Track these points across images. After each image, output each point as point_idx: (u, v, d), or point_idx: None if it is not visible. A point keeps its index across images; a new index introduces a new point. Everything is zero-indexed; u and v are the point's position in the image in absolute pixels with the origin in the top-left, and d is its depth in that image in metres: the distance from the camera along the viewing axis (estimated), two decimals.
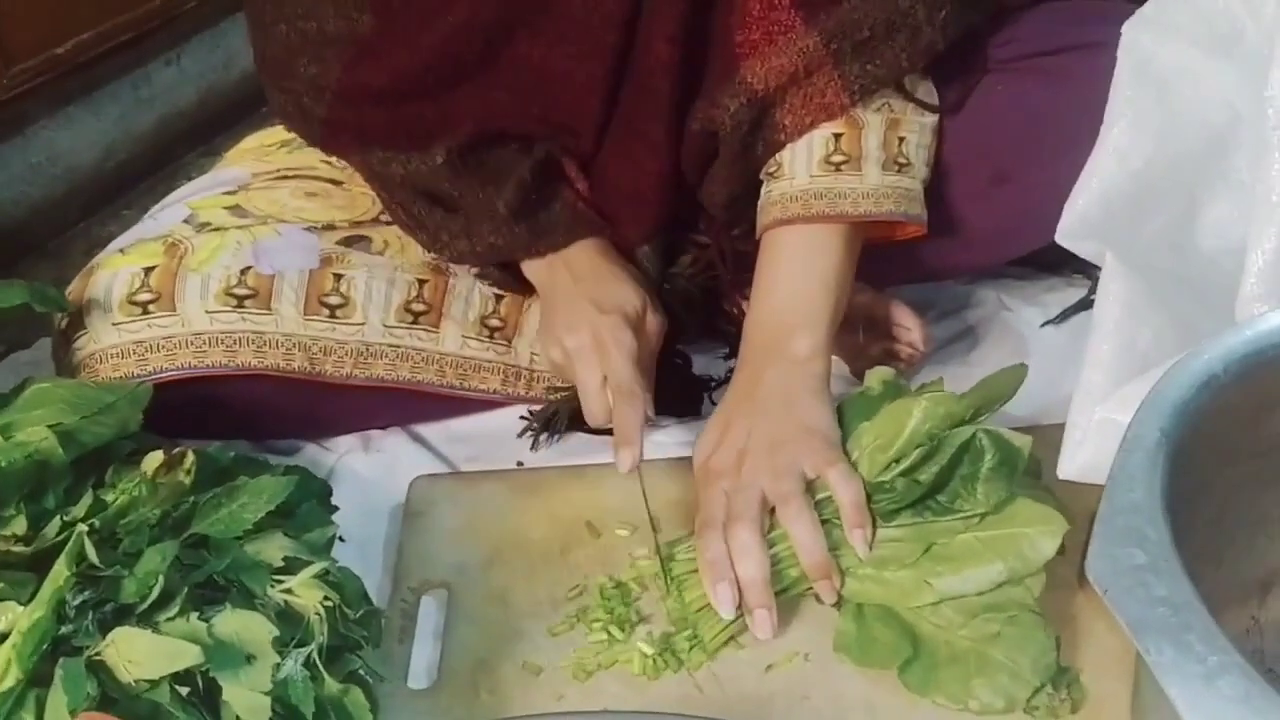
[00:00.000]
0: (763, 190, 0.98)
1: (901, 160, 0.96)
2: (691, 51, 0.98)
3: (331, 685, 0.73)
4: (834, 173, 0.94)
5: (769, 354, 0.94)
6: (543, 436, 1.08)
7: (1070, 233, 0.91)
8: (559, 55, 0.99)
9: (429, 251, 1.05)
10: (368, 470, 1.08)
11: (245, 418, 1.05)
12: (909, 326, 1.08)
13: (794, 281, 0.95)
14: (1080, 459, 0.86)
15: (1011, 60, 1.00)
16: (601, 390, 0.94)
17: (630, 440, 0.90)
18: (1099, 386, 0.87)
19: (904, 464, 0.87)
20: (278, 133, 1.16)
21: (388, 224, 1.08)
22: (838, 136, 0.95)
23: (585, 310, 0.96)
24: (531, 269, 1.02)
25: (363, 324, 1.02)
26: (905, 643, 0.82)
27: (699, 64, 0.99)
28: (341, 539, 0.88)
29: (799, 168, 0.96)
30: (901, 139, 0.96)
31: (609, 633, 0.87)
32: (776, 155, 0.97)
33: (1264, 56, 0.87)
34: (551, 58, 0.99)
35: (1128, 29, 0.93)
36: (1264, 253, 0.84)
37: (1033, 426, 0.93)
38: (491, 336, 1.07)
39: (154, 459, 0.82)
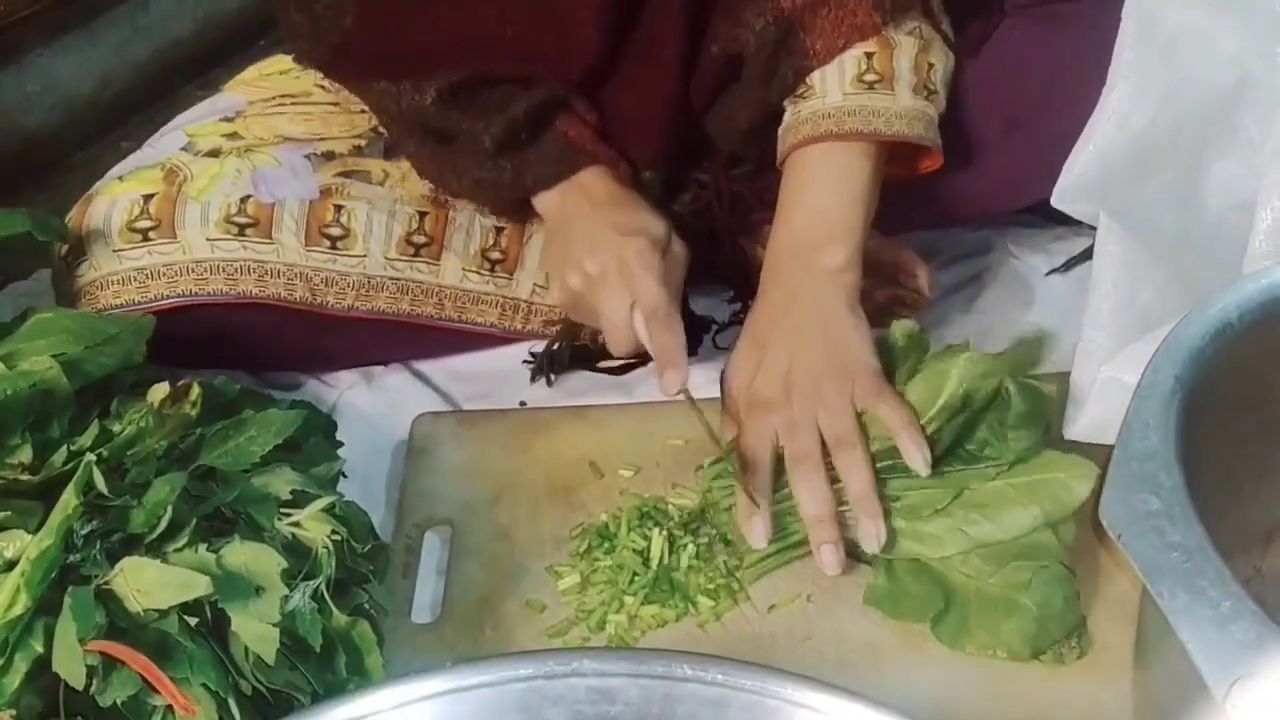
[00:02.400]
0: (789, 112, 0.96)
1: (931, 86, 0.95)
2: None
3: (339, 618, 0.74)
4: (868, 91, 0.93)
5: (800, 267, 0.92)
6: (550, 375, 1.08)
7: (1067, 195, 0.91)
8: None
9: (431, 184, 1.04)
10: (370, 407, 1.08)
11: (246, 348, 1.05)
12: (916, 273, 1.07)
13: (825, 197, 0.93)
14: (1085, 419, 0.86)
15: (1028, 5, 0.99)
16: (629, 317, 0.92)
17: (675, 362, 0.88)
18: (1100, 346, 0.87)
19: (935, 424, 0.87)
20: (276, 63, 1.15)
21: (384, 156, 1.06)
22: (869, 55, 0.94)
23: (607, 234, 0.93)
24: (543, 201, 1.00)
25: (364, 256, 1.02)
26: (937, 595, 0.83)
27: None
28: (345, 474, 0.88)
29: (831, 85, 0.94)
30: (931, 65, 0.95)
31: (616, 570, 0.88)
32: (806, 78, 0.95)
33: (1274, 13, 0.86)
34: None
35: None
36: (1274, 210, 0.84)
37: (1038, 375, 0.93)
38: (493, 270, 1.06)
39: (160, 390, 0.82)
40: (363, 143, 1.08)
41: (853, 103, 0.93)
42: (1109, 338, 0.86)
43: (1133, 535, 0.56)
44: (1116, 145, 0.89)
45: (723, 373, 0.94)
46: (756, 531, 0.86)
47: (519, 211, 1.04)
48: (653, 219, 0.96)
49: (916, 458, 0.85)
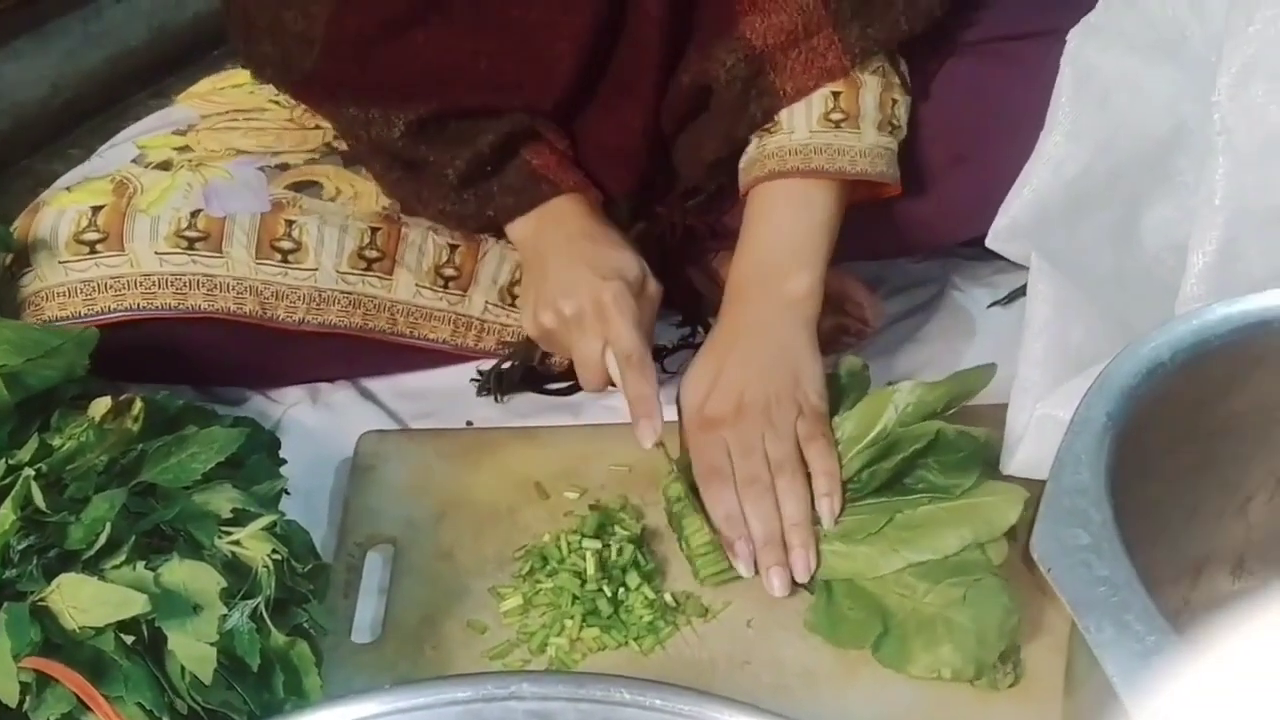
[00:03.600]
0: (755, 145, 0.98)
1: (895, 122, 0.97)
2: (681, 4, 0.97)
3: (278, 638, 0.73)
4: (834, 129, 0.95)
5: (763, 294, 0.94)
6: (499, 394, 1.08)
7: (1001, 236, 0.94)
8: (541, 6, 0.97)
9: (397, 205, 1.05)
10: (315, 423, 1.08)
11: (193, 363, 1.04)
12: (861, 302, 1.09)
13: (789, 227, 0.95)
14: (1021, 454, 0.89)
15: (975, 43, 1.01)
16: (601, 359, 0.93)
17: (650, 413, 0.91)
18: (1035, 383, 0.89)
19: (868, 454, 0.89)
20: (230, 76, 1.15)
21: (340, 165, 1.06)
22: (836, 94, 0.96)
23: (584, 275, 0.94)
24: (515, 230, 1.01)
25: (315, 269, 1.01)
26: (875, 619, 0.84)
27: (688, 17, 0.98)
28: (287, 492, 0.88)
29: (798, 122, 0.96)
30: (894, 101, 0.97)
31: (557, 593, 0.88)
32: None
33: (1209, 62, 0.89)
34: (534, 8, 0.97)
35: (1073, 37, 0.95)
36: (1205, 254, 0.87)
37: (977, 406, 0.94)
38: (446, 286, 1.06)
39: (102, 404, 0.82)
40: (316, 155, 1.07)
41: (819, 140, 0.95)
42: (1043, 375, 0.88)
43: (1062, 569, 0.58)
44: (1051, 190, 0.92)
45: (678, 390, 0.95)
46: (744, 556, 0.87)
47: (490, 232, 1.05)
48: (629, 258, 0.97)
49: (825, 510, 0.88)
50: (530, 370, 1.07)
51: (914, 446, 0.88)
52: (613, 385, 0.96)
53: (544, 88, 1.00)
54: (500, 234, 1.04)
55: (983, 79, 1.01)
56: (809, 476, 0.89)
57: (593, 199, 1.02)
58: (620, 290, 0.93)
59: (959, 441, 0.88)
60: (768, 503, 0.88)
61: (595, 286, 0.93)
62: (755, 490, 0.88)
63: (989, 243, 0.94)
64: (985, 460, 0.89)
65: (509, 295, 1.08)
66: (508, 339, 1.08)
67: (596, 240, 0.98)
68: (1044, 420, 0.88)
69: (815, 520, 0.88)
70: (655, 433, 0.91)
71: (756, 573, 0.88)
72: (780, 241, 0.95)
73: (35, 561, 0.70)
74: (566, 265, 0.95)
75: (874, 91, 0.96)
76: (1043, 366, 0.91)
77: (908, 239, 1.09)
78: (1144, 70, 0.95)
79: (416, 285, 1.05)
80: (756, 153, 0.97)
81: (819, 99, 0.96)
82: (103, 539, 0.71)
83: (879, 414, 0.90)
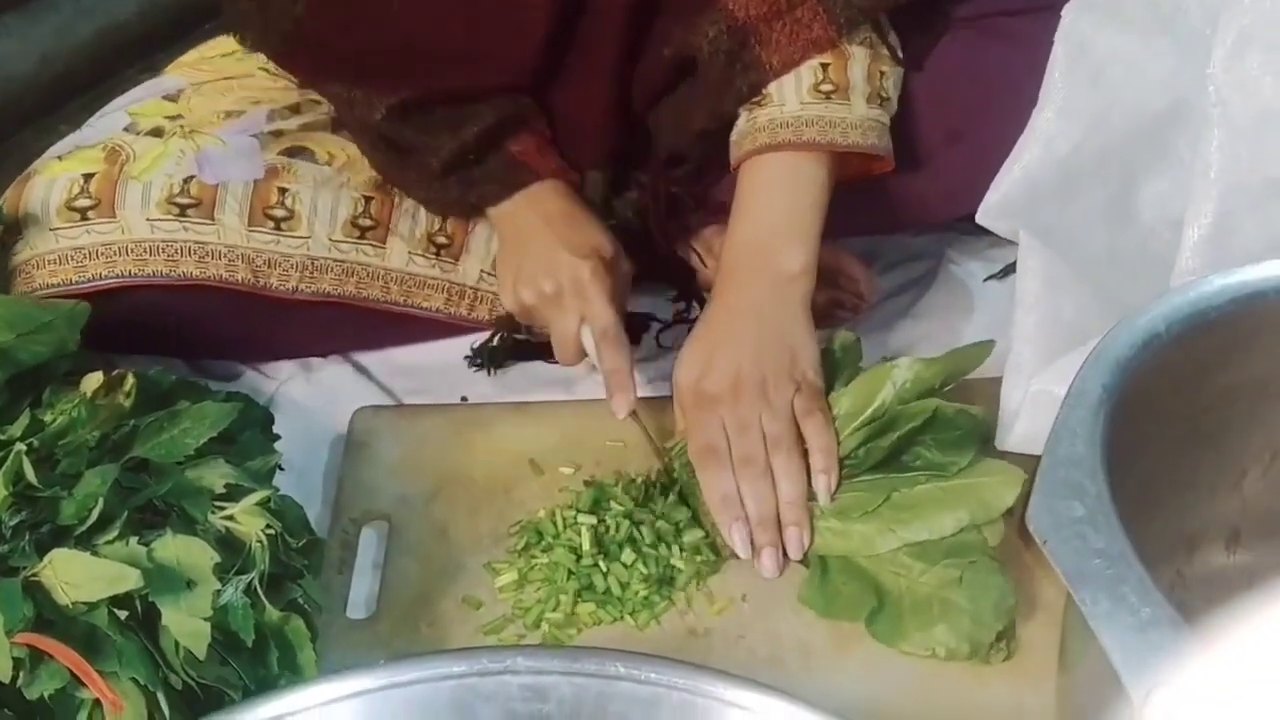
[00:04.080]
0: (745, 118, 0.96)
1: (883, 94, 0.96)
2: None
3: (272, 613, 0.73)
4: (824, 101, 0.94)
5: (757, 270, 0.93)
6: (491, 367, 1.08)
7: (991, 213, 0.94)
8: None
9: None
10: (308, 399, 1.07)
11: (184, 334, 1.04)
12: (856, 277, 1.09)
13: (781, 203, 0.94)
14: (1018, 430, 0.89)
15: (970, 18, 1.01)
16: (577, 335, 0.95)
17: (624, 385, 0.92)
18: (1028, 359, 0.90)
19: (865, 430, 0.89)
20: (218, 45, 1.14)
21: (331, 132, 1.06)
22: (825, 66, 0.95)
23: (559, 254, 0.96)
24: (495, 210, 1.01)
25: (308, 237, 1.01)
26: (869, 594, 0.84)
27: None
28: (280, 468, 0.88)
29: (788, 94, 0.95)
30: (883, 73, 0.96)
31: (553, 568, 0.88)
32: None
33: (1205, 35, 0.89)
34: None
35: (1067, 12, 0.95)
36: (1200, 228, 0.87)
37: (973, 381, 0.94)
38: (438, 254, 1.06)
39: (93, 380, 0.81)
40: (311, 121, 1.07)
41: (810, 113, 0.94)
42: (1035, 351, 0.88)
43: (1057, 541, 0.57)
44: (1042, 167, 0.92)
45: (674, 368, 0.95)
46: (740, 537, 0.88)
47: (470, 216, 1.05)
48: (604, 238, 0.99)
49: (821, 486, 0.88)
50: (520, 342, 1.07)
51: (911, 424, 0.88)
52: (587, 359, 0.97)
53: (516, 58, 0.99)
54: (477, 210, 1.04)
55: (978, 54, 1.00)
56: (806, 453, 0.89)
57: (571, 181, 1.02)
58: (597, 267, 0.95)
59: (956, 419, 0.88)
60: (764, 483, 0.88)
61: (574, 265, 0.95)
62: (752, 471, 0.88)
63: (979, 219, 0.94)
64: (982, 437, 0.89)
65: None
66: (501, 310, 1.08)
67: (574, 221, 0.99)
68: (1039, 396, 0.88)
69: (811, 497, 0.88)
70: (629, 404, 0.92)
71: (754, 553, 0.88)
72: (773, 217, 0.94)
73: (27, 537, 0.70)
74: (546, 245, 0.97)
75: (862, 63, 0.95)
76: (1035, 343, 0.91)
77: (902, 215, 1.09)
78: (1140, 45, 0.95)
79: (409, 253, 1.05)
80: (747, 126, 0.96)
81: (808, 70, 0.95)
82: (95, 514, 0.71)
83: (876, 390, 0.89)
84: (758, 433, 0.89)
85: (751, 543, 0.88)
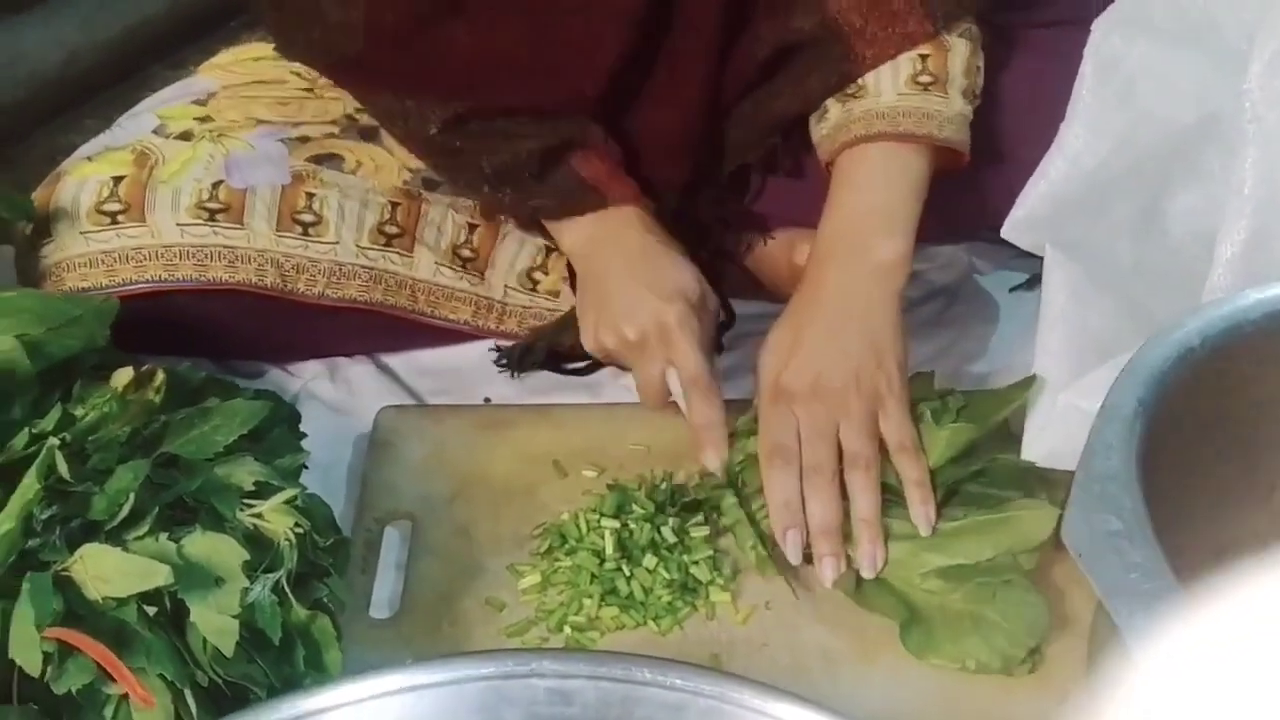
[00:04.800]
0: (839, 110, 0.94)
1: (975, 91, 0.94)
2: None
3: (299, 611, 0.73)
4: (923, 92, 0.92)
5: (850, 259, 0.90)
6: (517, 371, 1.08)
7: (1017, 228, 0.93)
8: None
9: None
10: (333, 398, 1.08)
11: (212, 336, 1.04)
12: None
13: (878, 193, 0.92)
14: (1045, 444, 0.88)
15: (1007, 29, 0.99)
16: (663, 381, 0.92)
17: (716, 441, 0.90)
18: (1053, 373, 0.89)
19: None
20: (251, 49, 1.14)
21: (360, 139, 1.06)
22: (924, 57, 0.93)
23: (644, 297, 0.92)
24: (565, 238, 0.99)
25: (336, 243, 1.01)
26: (902, 607, 0.84)
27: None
28: (305, 466, 0.88)
29: (885, 85, 0.93)
30: (978, 68, 0.94)
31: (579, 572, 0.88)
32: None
33: (1239, 51, 0.88)
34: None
35: (1098, 26, 0.94)
36: (1233, 244, 0.86)
37: (998, 389, 0.94)
38: (465, 267, 1.05)
39: (124, 375, 0.81)
40: (336, 130, 1.07)
41: (907, 103, 0.92)
42: (1060, 365, 0.88)
43: (1093, 556, 0.57)
44: (1068, 182, 0.92)
45: (756, 358, 0.93)
46: (792, 545, 0.86)
47: (534, 230, 1.04)
48: (689, 277, 0.95)
49: (921, 516, 0.85)
50: (553, 351, 1.07)
51: (956, 477, 0.88)
52: (672, 400, 0.94)
53: (586, 75, 0.97)
54: (544, 231, 1.02)
55: (1013, 66, 0.99)
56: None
57: (646, 209, 0.99)
58: (684, 313, 0.92)
59: (1001, 472, 0.88)
60: (831, 492, 0.85)
61: (658, 310, 0.92)
62: (819, 480, 0.86)
63: (1005, 233, 0.93)
64: (1025, 479, 0.88)
65: (529, 280, 1.07)
66: (532, 321, 1.08)
67: (656, 259, 0.96)
68: (1068, 410, 0.88)
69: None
70: (722, 458, 0.90)
71: (806, 561, 0.86)
72: (869, 206, 0.91)
73: (58, 531, 0.70)
74: (627, 286, 0.94)
75: (962, 56, 0.93)
76: (1060, 357, 0.90)
77: (931, 224, 1.08)
78: (1171, 60, 0.94)
79: (436, 264, 1.04)
80: (842, 118, 0.94)
81: (906, 61, 0.93)
82: (126, 510, 0.71)
83: (928, 452, 0.88)
84: (832, 441, 0.86)
85: (808, 551, 0.86)
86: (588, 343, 0.97)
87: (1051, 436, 0.89)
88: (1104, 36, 0.95)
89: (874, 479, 0.86)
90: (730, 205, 1.07)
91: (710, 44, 0.97)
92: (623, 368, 1.00)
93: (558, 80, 0.97)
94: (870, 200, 0.92)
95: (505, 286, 1.06)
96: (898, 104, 0.92)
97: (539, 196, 0.98)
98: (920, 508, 0.85)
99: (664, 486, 0.93)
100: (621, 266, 0.95)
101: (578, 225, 0.98)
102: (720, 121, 1.03)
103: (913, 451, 0.87)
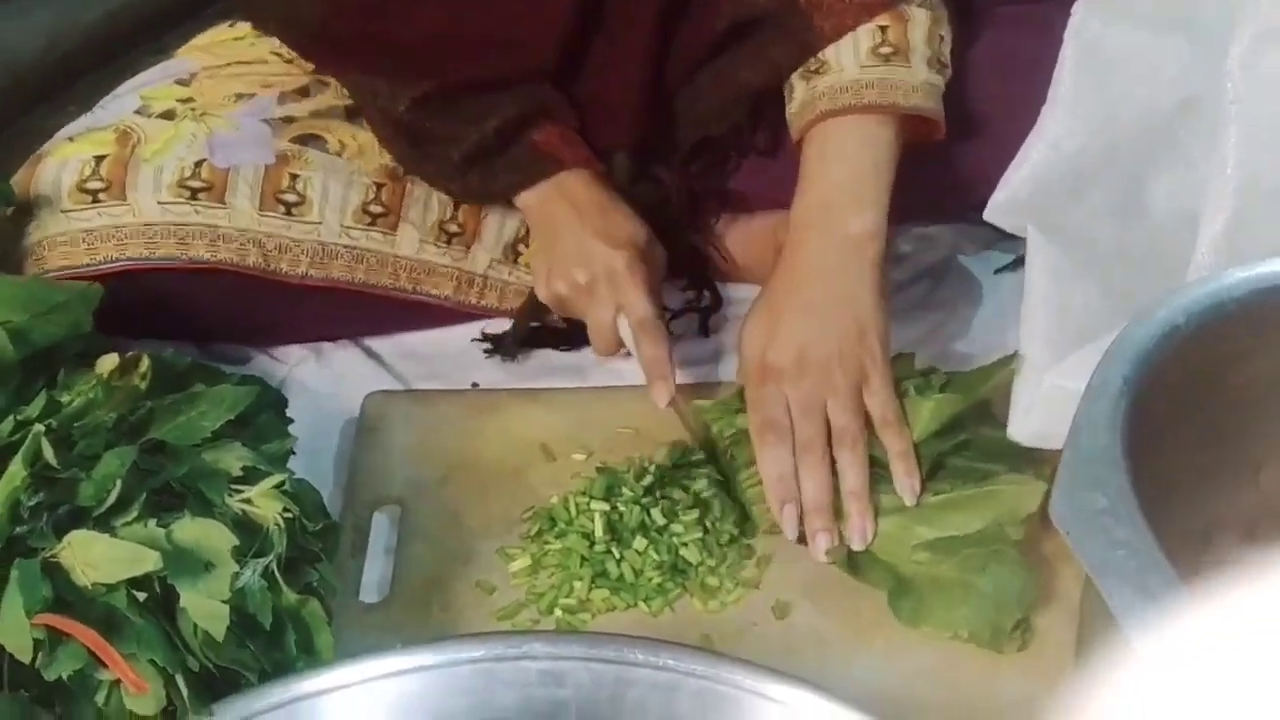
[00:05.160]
0: (803, 88, 0.95)
1: (942, 59, 0.95)
2: None
3: (289, 596, 0.73)
4: (884, 63, 0.92)
5: (824, 234, 0.91)
6: (508, 355, 1.08)
7: (999, 210, 0.93)
8: None
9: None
10: (319, 383, 1.07)
11: (194, 318, 1.03)
12: None
13: (847, 166, 0.92)
14: (1031, 425, 0.89)
15: (994, 5, 1.00)
16: (614, 325, 0.94)
17: (664, 374, 0.92)
18: (1038, 355, 0.89)
19: None
20: (231, 30, 1.14)
21: (345, 120, 1.06)
22: (884, 29, 0.93)
23: (593, 244, 0.95)
24: (523, 200, 1.00)
25: (319, 223, 1.01)
26: (892, 578, 0.85)
27: None
28: (293, 451, 0.88)
29: (846, 60, 0.93)
30: (941, 37, 0.95)
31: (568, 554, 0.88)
32: (819, 54, 0.95)
33: (1220, 33, 0.89)
34: None
35: (1077, 10, 0.94)
36: (1216, 224, 0.87)
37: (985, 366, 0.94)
38: (449, 242, 1.05)
39: (109, 361, 0.81)
40: (322, 108, 1.06)
41: (869, 75, 0.92)
42: (1044, 347, 0.89)
43: (1081, 532, 0.57)
44: (1050, 165, 0.92)
45: (737, 338, 0.95)
46: (789, 519, 0.88)
47: (494, 203, 1.05)
48: (637, 226, 0.98)
49: (906, 487, 0.87)
50: (537, 330, 1.07)
51: (940, 449, 0.89)
52: (623, 349, 0.96)
53: (539, 44, 0.99)
54: (504, 202, 1.03)
55: (1001, 43, 1.00)
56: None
57: (597, 170, 1.01)
58: (633, 258, 0.94)
59: (987, 444, 0.89)
60: (824, 469, 0.87)
61: (608, 256, 0.94)
62: (812, 457, 0.88)
63: (987, 215, 0.94)
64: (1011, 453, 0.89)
65: (513, 252, 1.07)
66: (512, 297, 1.08)
67: (605, 210, 0.98)
68: (1054, 391, 0.88)
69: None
70: (670, 393, 0.92)
71: (801, 539, 0.88)
72: (838, 181, 0.92)
73: (46, 518, 0.70)
74: (578, 236, 0.96)
75: (923, 25, 0.94)
76: (1044, 338, 0.91)
77: (915, 204, 1.08)
78: (1152, 43, 0.94)
79: (420, 240, 1.04)
80: (807, 95, 0.95)
81: (865, 34, 0.93)
82: (114, 496, 0.70)
83: (911, 425, 0.89)
84: (821, 417, 0.88)
85: (801, 528, 0.88)
86: (541, 291, 0.99)
87: (1037, 417, 0.89)
88: (1083, 20, 0.95)
89: (862, 453, 0.88)
90: (700, 178, 1.07)
91: (654, 9, 0.98)
92: (578, 325, 1.01)
93: (514, 49, 0.98)
94: (839, 174, 0.92)
95: (491, 260, 1.06)
96: (860, 76, 0.92)
97: (503, 173, 0.99)
98: (905, 480, 0.87)
99: (652, 469, 0.93)
100: (572, 217, 0.97)
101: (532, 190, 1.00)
102: (670, 89, 1.04)
103: (896, 425, 0.88)
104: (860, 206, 0.91)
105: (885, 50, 0.93)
